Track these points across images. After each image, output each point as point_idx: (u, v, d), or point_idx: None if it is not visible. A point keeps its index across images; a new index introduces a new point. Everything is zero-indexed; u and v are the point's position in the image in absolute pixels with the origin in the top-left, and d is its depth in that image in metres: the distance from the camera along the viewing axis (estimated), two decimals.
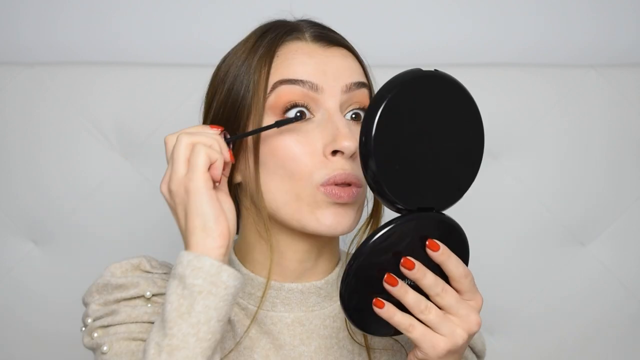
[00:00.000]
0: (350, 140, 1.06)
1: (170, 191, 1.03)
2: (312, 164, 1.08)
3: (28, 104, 1.63)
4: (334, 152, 1.08)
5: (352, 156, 1.08)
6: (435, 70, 0.98)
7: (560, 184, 1.67)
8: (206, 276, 0.97)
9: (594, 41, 1.77)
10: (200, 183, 1.00)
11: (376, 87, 1.12)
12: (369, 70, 1.18)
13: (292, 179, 1.08)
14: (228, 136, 1.08)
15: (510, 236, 1.67)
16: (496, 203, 1.67)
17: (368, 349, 1.18)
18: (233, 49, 1.17)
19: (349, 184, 1.08)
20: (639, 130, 1.67)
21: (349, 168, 1.08)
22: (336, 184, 1.08)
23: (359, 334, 1.18)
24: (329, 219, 1.08)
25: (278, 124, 1.08)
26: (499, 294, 1.66)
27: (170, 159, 1.04)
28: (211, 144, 1.03)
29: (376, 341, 1.19)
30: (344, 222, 1.09)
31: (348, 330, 1.18)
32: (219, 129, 1.07)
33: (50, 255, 1.63)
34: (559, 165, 1.67)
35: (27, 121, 1.63)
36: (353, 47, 1.16)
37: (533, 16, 1.77)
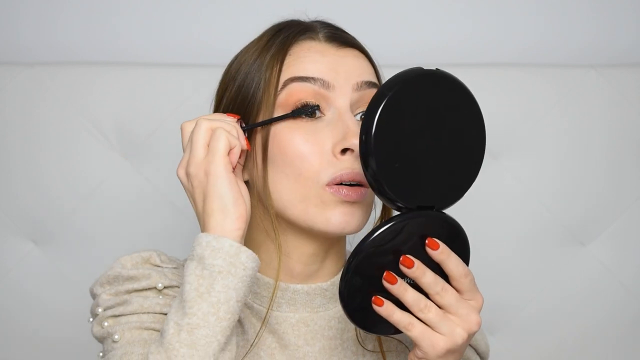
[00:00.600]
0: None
1: (188, 174, 1.05)
2: (319, 164, 1.08)
3: (28, 104, 1.63)
4: (344, 151, 1.08)
5: None
6: (436, 69, 0.98)
7: (560, 184, 1.67)
8: (225, 257, 1.00)
9: (594, 41, 1.77)
10: (220, 166, 1.03)
11: None
12: (380, 73, 1.18)
13: (299, 178, 1.08)
14: (243, 125, 1.10)
15: (510, 236, 1.67)
16: (496, 203, 1.67)
17: (383, 352, 1.18)
18: (245, 47, 1.18)
19: (357, 184, 1.08)
20: (639, 131, 1.67)
21: (358, 167, 1.07)
22: (343, 183, 1.08)
23: (369, 342, 1.18)
24: (338, 218, 1.08)
25: (294, 113, 1.08)
26: (499, 294, 1.66)
27: (189, 143, 1.06)
28: (230, 130, 1.06)
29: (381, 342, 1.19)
30: (352, 222, 1.09)
31: (358, 338, 1.17)
32: (236, 117, 1.09)
33: (50, 256, 1.63)
34: (559, 165, 1.67)
35: (27, 121, 1.62)
36: (366, 49, 1.17)
37: (533, 16, 1.77)
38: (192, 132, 1.06)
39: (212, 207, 1.02)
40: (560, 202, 1.67)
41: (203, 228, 1.04)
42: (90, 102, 1.63)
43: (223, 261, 1.00)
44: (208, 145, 1.05)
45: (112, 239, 1.63)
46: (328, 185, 1.08)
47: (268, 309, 1.13)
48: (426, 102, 0.97)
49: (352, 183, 1.08)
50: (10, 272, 1.63)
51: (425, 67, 0.98)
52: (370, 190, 1.10)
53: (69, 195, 1.62)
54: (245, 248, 1.01)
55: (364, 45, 1.17)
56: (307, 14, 1.21)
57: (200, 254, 1.00)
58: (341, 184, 1.08)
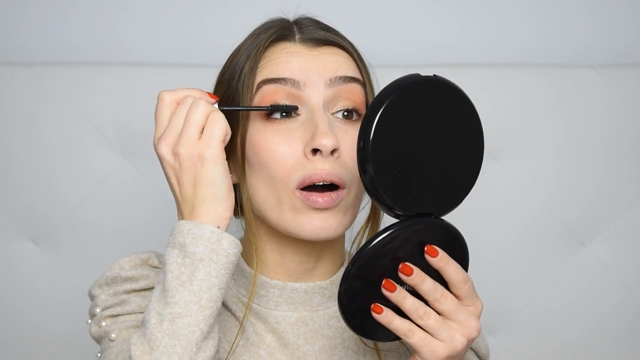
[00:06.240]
0: (328, 137, 1.05)
1: (177, 154, 1.02)
2: (291, 166, 1.07)
3: (28, 104, 1.63)
4: (314, 151, 1.07)
5: (333, 154, 1.07)
6: (434, 75, 0.98)
7: (560, 184, 1.67)
8: (207, 244, 0.99)
9: (594, 41, 1.77)
10: (218, 152, 1.01)
11: (377, 88, 1.10)
12: (369, 69, 1.17)
13: (273, 181, 1.08)
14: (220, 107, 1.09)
15: (510, 236, 1.67)
16: (496, 203, 1.67)
17: (378, 351, 1.18)
18: (234, 51, 1.18)
19: (329, 186, 1.08)
20: (639, 130, 1.67)
21: (329, 167, 1.07)
22: (314, 185, 1.07)
23: (370, 341, 1.18)
24: (310, 225, 1.08)
25: (273, 107, 1.08)
26: (499, 294, 1.66)
27: (175, 118, 1.03)
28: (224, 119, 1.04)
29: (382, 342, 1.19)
30: (326, 227, 1.08)
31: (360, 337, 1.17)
32: (215, 99, 1.08)
33: (50, 255, 1.64)
34: (558, 165, 1.67)
35: (28, 121, 1.63)
36: (347, 45, 1.15)
37: (533, 16, 1.77)
38: (189, 109, 1.03)
39: (206, 193, 1.01)
40: (559, 201, 1.67)
41: (187, 214, 1.02)
42: (90, 102, 1.63)
43: (204, 248, 0.99)
44: (205, 128, 1.03)
45: (113, 239, 1.63)
46: (298, 189, 1.07)
47: (249, 300, 1.12)
48: (424, 108, 0.97)
49: (324, 184, 1.07)
50: (11, 271, 1.63)
51: (423, 73, 0.97)
52: (345, 192, 1.09)
53: (69, 195, 1.63)
54: (227, 234, 1.00)
55: (349, 41, 1.16)
56: (300, 10, 1.20)
57: (181, 242, 0.99)
58: (312, 186, 1.07)
